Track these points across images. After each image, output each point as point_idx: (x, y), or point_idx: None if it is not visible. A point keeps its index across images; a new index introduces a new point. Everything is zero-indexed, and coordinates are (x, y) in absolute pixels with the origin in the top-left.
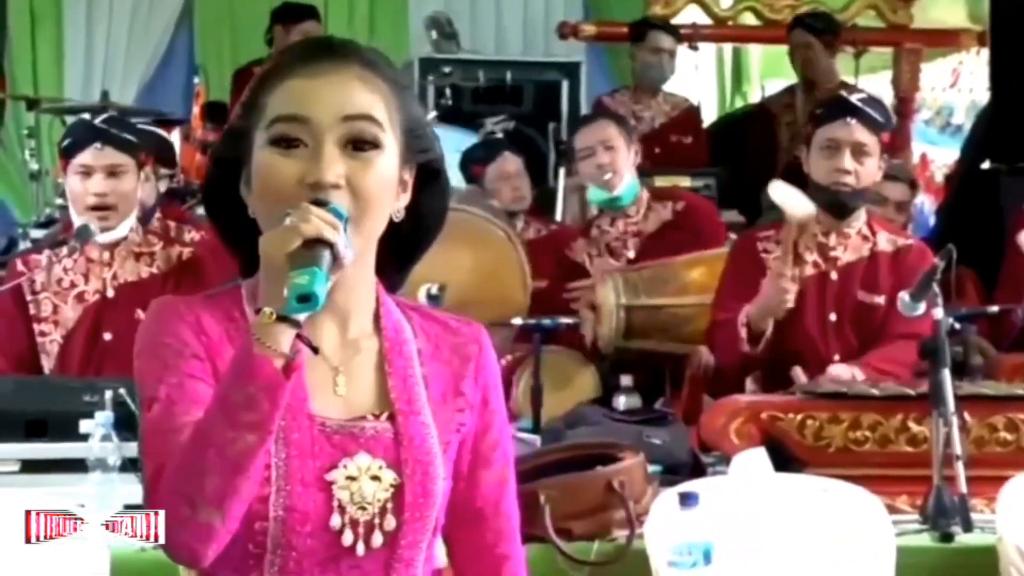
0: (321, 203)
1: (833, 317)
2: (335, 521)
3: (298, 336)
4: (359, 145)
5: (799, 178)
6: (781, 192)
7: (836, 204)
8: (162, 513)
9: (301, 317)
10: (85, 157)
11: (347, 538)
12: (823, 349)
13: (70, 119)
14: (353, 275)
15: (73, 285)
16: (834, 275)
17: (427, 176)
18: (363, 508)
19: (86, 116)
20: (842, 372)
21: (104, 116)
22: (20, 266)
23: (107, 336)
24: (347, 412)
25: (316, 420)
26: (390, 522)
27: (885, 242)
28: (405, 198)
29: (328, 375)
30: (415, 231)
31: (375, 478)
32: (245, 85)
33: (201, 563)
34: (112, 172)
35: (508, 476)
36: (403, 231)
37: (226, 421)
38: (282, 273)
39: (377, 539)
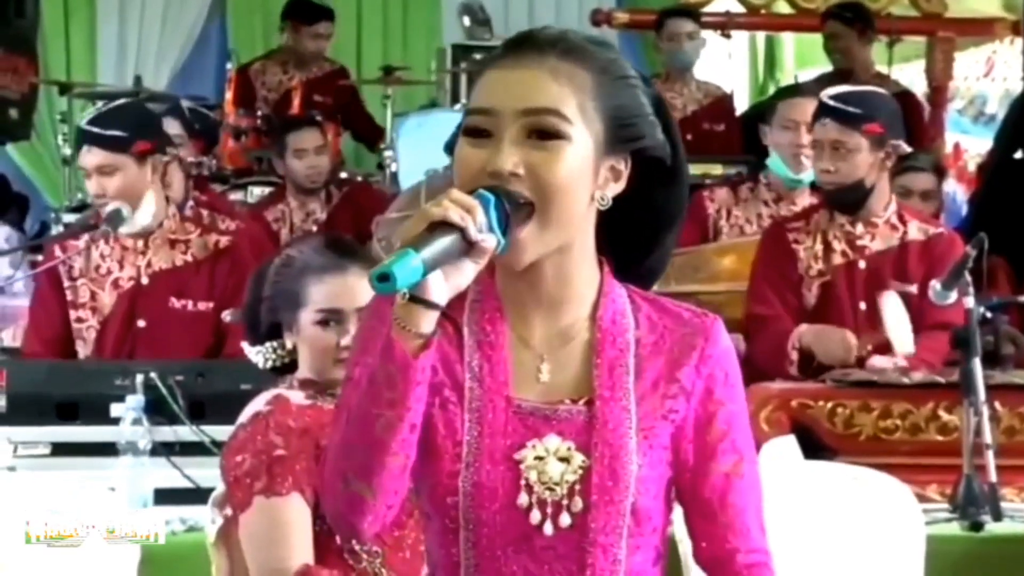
0: (493, 190)
1: (863, 306)
2: (522, 499)
3: (444, 315)
4: (543, 135)
5: None
6: (892, 315)
7: (832, 201)
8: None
9: (440, 299)
10: (81, 159)
11: (535, 517)
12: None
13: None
14: (559, 266)
15: (109, 272)
16: (863, 264)
17: (650, 164)
18: (551, 488)
19: (82, 122)
20: (883, 363)
21: (92, 115)
22: (58, 251)
23: (141, 323)
24: (546, 397)
25: (513, 402)
26: (577, 503)
27: (916, 231)
28: (615, 187)
29: (533, 362)
30: (645, 220)
31: (563, 459)
32: (244, 81)
33: (359, 535)
34: (103, 171)
35: (740, 470)
36: (635, 220)
37: (371, 399)
38: None
39: (565, 520)
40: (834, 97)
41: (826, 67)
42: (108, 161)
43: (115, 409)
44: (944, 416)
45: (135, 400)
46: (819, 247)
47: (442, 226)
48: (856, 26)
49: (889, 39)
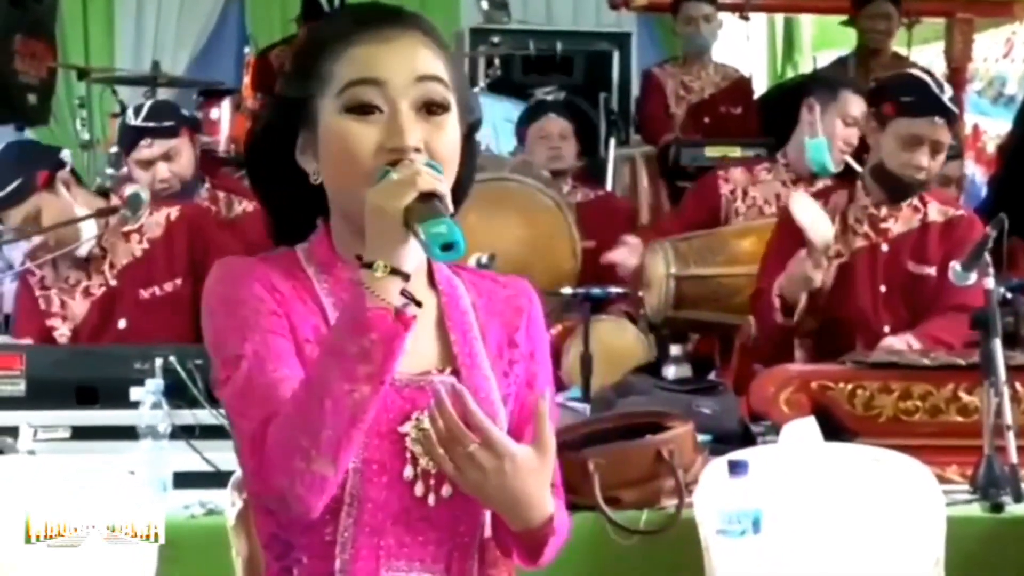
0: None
1: (884, 288)
2: (408, 472)
3: (402, 292)
4: (432, 109)
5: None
6: (805, 211)
7: (901, 190)
8: (271, 466)
9: (411, 270)
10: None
11: (418, 489)
12: (874, 320)
13: (124, 90)
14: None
15: (78, 282)
16: (885, 247)
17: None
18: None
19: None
20: (896, 343)
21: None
22: (28, 262)
23: (121, 324)
24: (413, 367)
25: None
26: None
27: (936, 213)
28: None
29: None
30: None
31: None
32: (264, 68)
33: (312, 513)
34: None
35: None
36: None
37: (341, 374)
38: (396, 226)
39: (446, 490)
40: (951, 99)
41: (844, 49)
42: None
43: (135, 393)
44: (964, 397)
45: (154, 384)
46: (837, 226)
47: (429, 196)
48: (899, 7)
49: (908, 20)
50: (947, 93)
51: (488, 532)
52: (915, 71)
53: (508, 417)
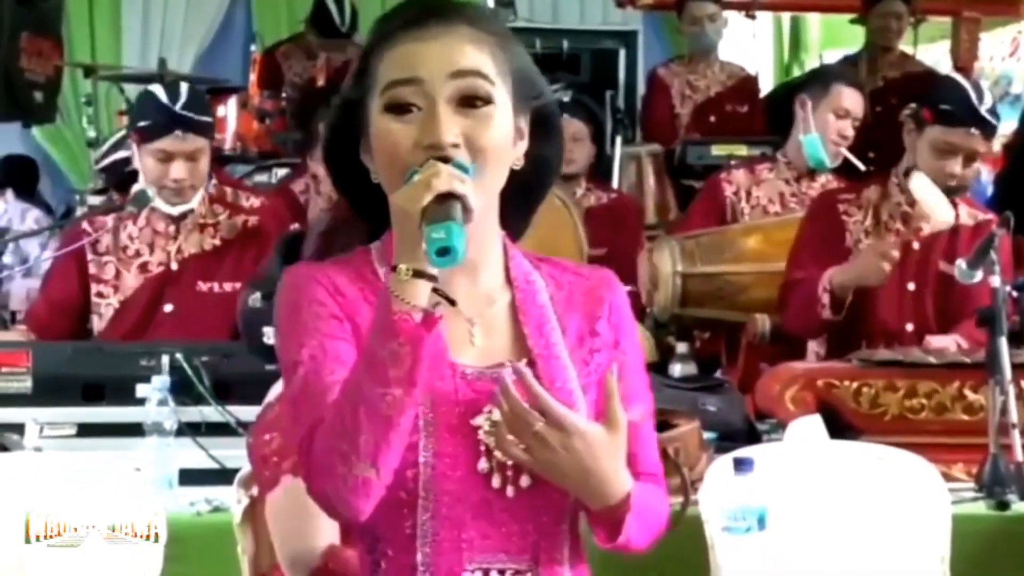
0: (444, 160)
1: (912, 286)
2: (483, 465)
3: (435, 290)
4: (471, 102)
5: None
6: (927, 192)
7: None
8: (317, 471)
9: (435, 270)
10: (164, 144)
11: (495, 481)
12: (897, 317)
13: (130, 88)
14: (480, 229)
15: (138, 254)
16: (916, 244)
17: (539, 120)
18: None
19: (163, 97)
20: (944, 342)
21: (183, 100)
22: (86, 225)
23: (168, 308)
24: (486, 360)
25: (457, 368)
26: None
27: (966, 216)
28: (523, 146)
29: (463, 327)
30: (535, 177)
31: None
32: (271, 66)
33: (359, 517)
34: (191, 156)
35: (641, 418)
36: (522, 179)
37: (373, 378)
38: (415, 228)
39: (524, 481)
40: (989, 111)
41: (851, 48)
42: (199, 146)
43: (141, 390)
44: (970, 395)
45: (161, 381)
46: (869, 222)
47: (447, 197)
48: (910, 6)
49: (915, 19)
50: (986, 104)
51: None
52: (958, 77)
53: (592, 405)
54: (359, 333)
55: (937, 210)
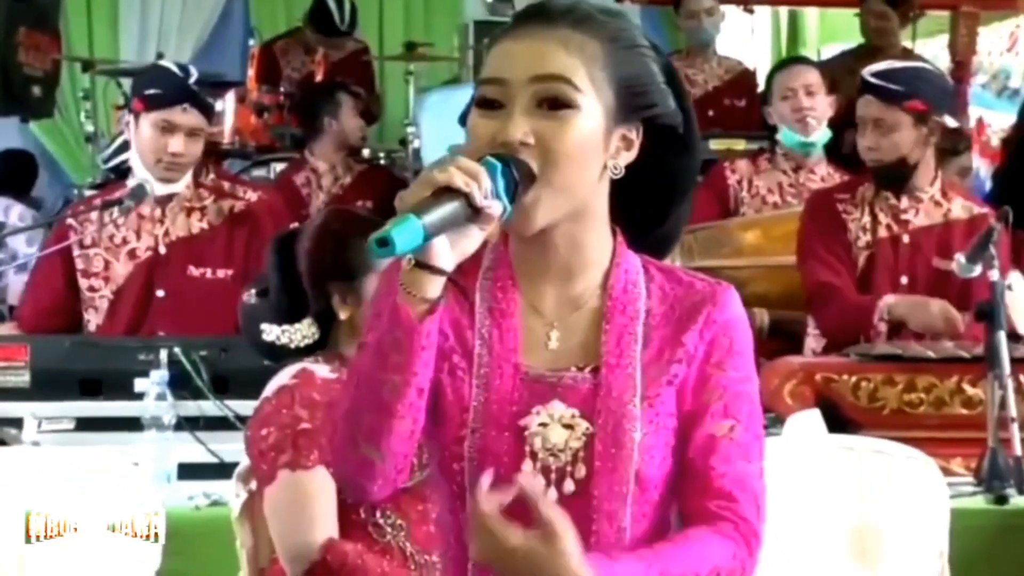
0: (502, 158)
1: (904, 280)
2: (527, 466)
3: (451, 281)
4: (553, 104)
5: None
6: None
7: (877, 178)
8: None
9: (446, 264)
10: (170, 114)
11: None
12: None
13: (128, 82)
14: (570, 234)
15: (125, 242)
16: (906, 238)
17: (663, 132)
18: (555, 455)
19: (175, 70)
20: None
21: (195, 76)
22: (71, 221)
23: (160, 293)
24: (554, 364)
25: (520, 369)
26: (580, 470)
27: (960, 209)
28: (627, 156)
29: (542, 330)
30: (658, 189)
31: (568, 426)
32: (269, 60)
33: (368, 497)
34: (192, 133)
35: (732, 435)
36: (645, 188)
37: (378, 363)
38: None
39: (568, 486)
40: (876, 74)
41: (850, 43)
42: (200, 125)
43: (139, 384)
44: (969, 389)
45: (159, 375)
46: (866, 219)
47: (447, 192)
48: (900, 9)
49: (913, 14)
50: (876, 67)
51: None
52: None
53: (663, 417)
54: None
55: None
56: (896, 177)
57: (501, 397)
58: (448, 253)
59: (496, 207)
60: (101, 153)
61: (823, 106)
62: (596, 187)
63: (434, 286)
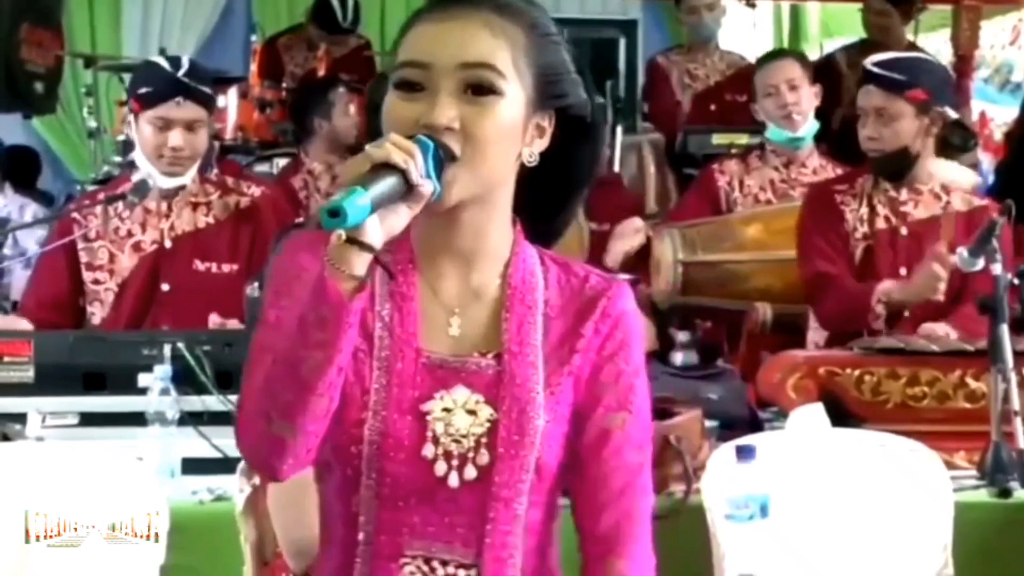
0: (432, 139)
1: (903, 272)
2: (427, 451)
3: (376, 260)
4: (477, 90)
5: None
6: (941, 167)
7: (877, 168)
8: (243, 425)
9: (375, 240)
10: (164, 110)
11: (440, 468)
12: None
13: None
14: (478, 219)
15: (130, 234)
16: (904, 231)
17: (571, 123)
18: (457, 441)
19: (165, 65)
20: (936, 329)
21: (185, 68)
22: (76, 215)
23: (165, 287)
24: (457, 348)
25: (423, 353)
26: (483, 456)
27: (960, 202)
28: (540, 144)
29: (443, 316)
30: (561, 178)
31: (471, 412)
32: (272, 56)
33: (278, 476)
34: (190, 126)
35: (620, 427)
36: (547, 178)
37: (300, 340)
38: None
39: (470, 472)
40: (877, 64)
41: (851, 37)
42: (198, 116)
43: (143, 379)
44: (972, 383)
45: (163, 370)
46: (864, 210)
47: (385, 168)
48: (902, 7)
49: (915, 8)
50: (878, 57)
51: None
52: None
53: (561, 406)
54: None
55: (959, 177)
56: (896, 168)
57: (403, 381)
58: (378, 230)
59: (428, 186)
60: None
61: (808, 99)
62: (508, 174)
63: (361, 263)
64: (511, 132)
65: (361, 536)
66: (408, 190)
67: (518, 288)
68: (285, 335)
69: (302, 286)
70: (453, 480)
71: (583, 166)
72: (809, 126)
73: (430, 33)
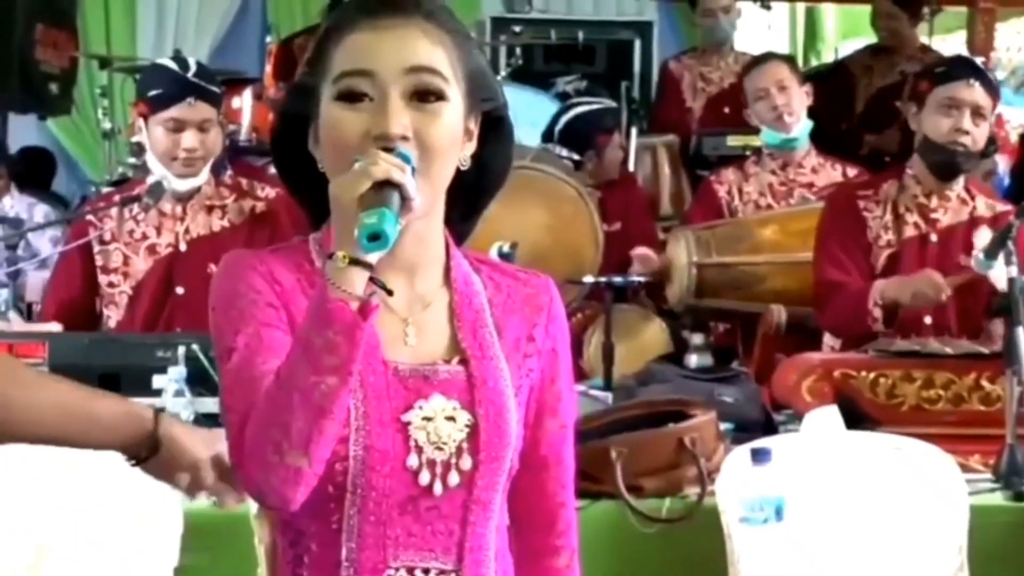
0: (388, 150)
1: None
2: (412, 461)
3: (371, 279)
4: (424, 96)
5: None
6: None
7: (948, 164)
8: (249, 460)
9: (373, 259)
10: (176, 112)
11: (424, 478)
12: (915, 310)
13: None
14: (421, 227)
15: (145, 237)
16: (934, 237)
17: (490, 124)
18: (439, 448)
19: (173, 66)
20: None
21: (194, 69)
22: (89, 217)
23: (179, 290)
24: (420, 358)
25: (389, 365)
26: (466, 462)
27: (984, 207)
28: (471, 147)
29: (398, 326)
30: (480, 180)
31: (450, 419)
32: (287, 57)
33: (291, 507)
34: (202, 126)
35: (570, 426)
36: (468, 181)
37: (309, 366)
38: (352, 216)
39: (454, 479)
40: (983, 67)
41: (868, 39)
42: (210, 116)
43: (157, 381)
44: (987, 386)
45: (177, 372)
46: (888, 217)
47: (385, 185)
48: (910, 8)
49: (930, 10)
50: (979, 62)
51: (501, 522)
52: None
53: (521, 408)
54: (294, 322)
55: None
56: (961, 167)
57: (378, 394)
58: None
59: (419, 201)
60: (120, 151)
61: (798, 99)
62: (449, 180)
63: (361, 283)
64: (456, 137)
65: (344, 553)
66: (403, 204)
67: (463, 292)
68: (290, 362)
69: (260, 310)
70: (437, 488)
71: (502, 166)
72: (802, 126)
73: (368, 41)
